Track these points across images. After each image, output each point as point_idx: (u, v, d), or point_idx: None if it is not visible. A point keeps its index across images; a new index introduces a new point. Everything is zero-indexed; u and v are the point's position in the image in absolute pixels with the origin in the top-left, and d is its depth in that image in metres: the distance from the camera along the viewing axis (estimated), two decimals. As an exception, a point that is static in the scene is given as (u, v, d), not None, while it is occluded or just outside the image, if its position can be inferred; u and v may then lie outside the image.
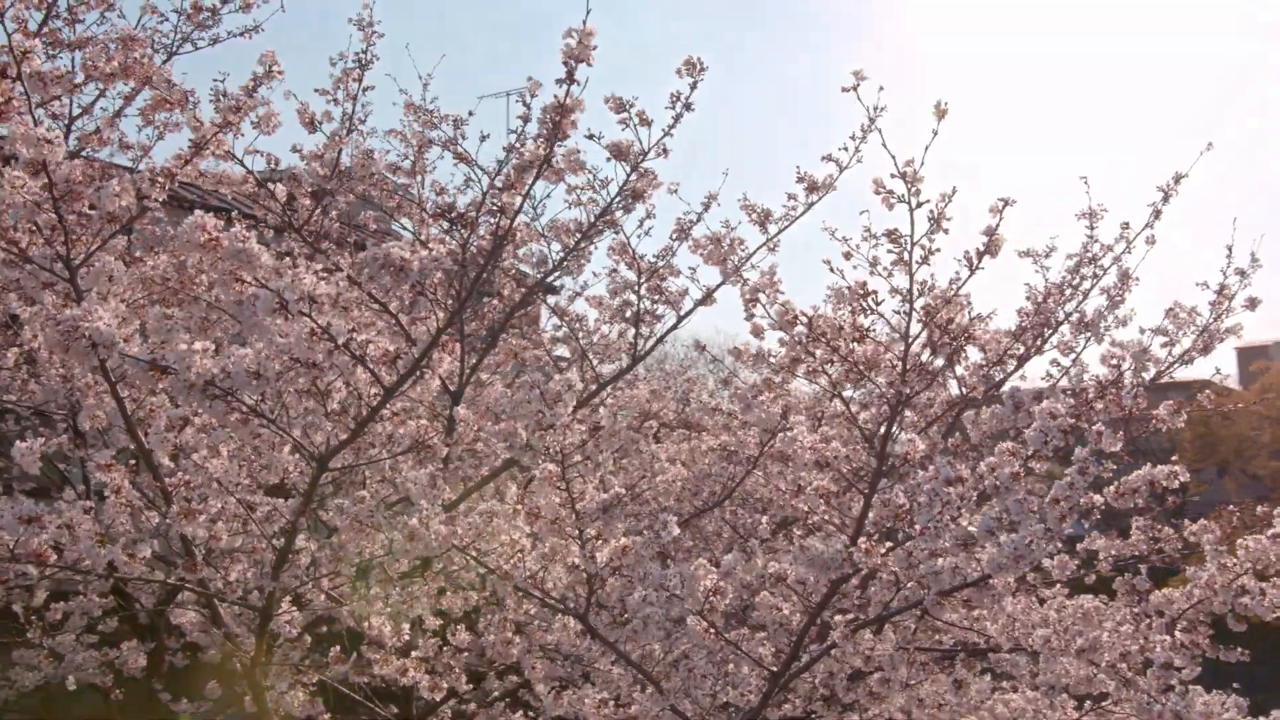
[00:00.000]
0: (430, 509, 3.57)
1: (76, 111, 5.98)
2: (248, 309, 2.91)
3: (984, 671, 6.17)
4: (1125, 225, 6.60)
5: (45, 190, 3.26)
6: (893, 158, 4.07)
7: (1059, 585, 5.86)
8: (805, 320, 3.93)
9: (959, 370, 5.82)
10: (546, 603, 4.21)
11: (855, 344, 3.91)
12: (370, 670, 4.34)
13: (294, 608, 4.14)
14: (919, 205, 3.97)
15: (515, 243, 5.33)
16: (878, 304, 3.89)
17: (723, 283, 6.12)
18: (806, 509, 3.85)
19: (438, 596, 4.72)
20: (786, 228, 6.39)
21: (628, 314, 6.75)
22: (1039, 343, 6.66)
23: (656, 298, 6.72)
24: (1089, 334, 6.31)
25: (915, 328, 4.00)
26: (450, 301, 5.09)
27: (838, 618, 4.22)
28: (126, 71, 4.93)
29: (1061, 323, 6.57)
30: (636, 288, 6.57)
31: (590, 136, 5.30)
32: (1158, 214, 6.48)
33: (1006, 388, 6.92)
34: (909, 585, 4.73)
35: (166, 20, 6.39)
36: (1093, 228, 6.70)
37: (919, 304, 4.05)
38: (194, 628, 4.80)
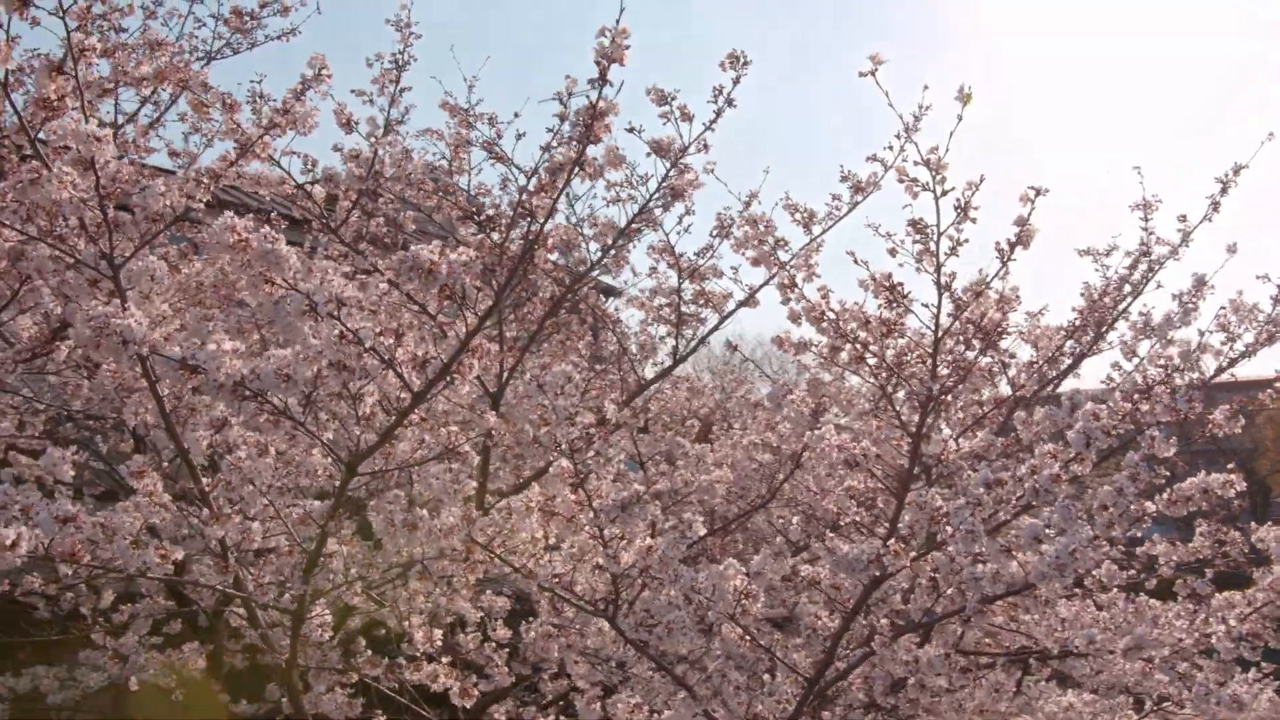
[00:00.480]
0: (451, 506, 3.57)
1: (120, 120, 6.09)
2: (280, 311, 2.92)
3: (1051, 677, 6.06)
4: (1183, 218, 6.42)
5: (92, 188, 3.29)
6: (916, 146, 3.98)
7: (1116, 590, 5.73)
8: (833, 315, 3.86)
9: (1009, 369, 5.72)
10: (573, 603, 4.18)
11: (884, 339, 3.84)
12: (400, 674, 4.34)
13: (328, 610, 4.16)
14: (944, 194, 3.86)
15: (547, 246, 5.30)
16: (904, 297, 3.79)
17: (766, 282, 6.03)
18: (836, 510, 3.78)
19: (478, 595, 4.71)
20: (830, 228, 6.31)
21: (668, 314, 6.72)
22: (1095, 341, 6.51)
23: (700, 302, 6.68)
24: (1154, 338, 6.13)
25: (945, 322, 3.89)
26: (479, 305, 5.09)
27: (883, 621, 4.15)
28: (160, 76, 4.99)
29: (1116, 319, 6.42)
30: (677, 288, 6.53)
31: (631, 130, 5.27)
32: (1216, 206, 6.29)
33: (1065, 388, 6.81)
34: (948, 591, 4.65)
35: (204, 25, 6.48)
36: (1147, 219, 6.54)
37: (948, 297, 3.96)
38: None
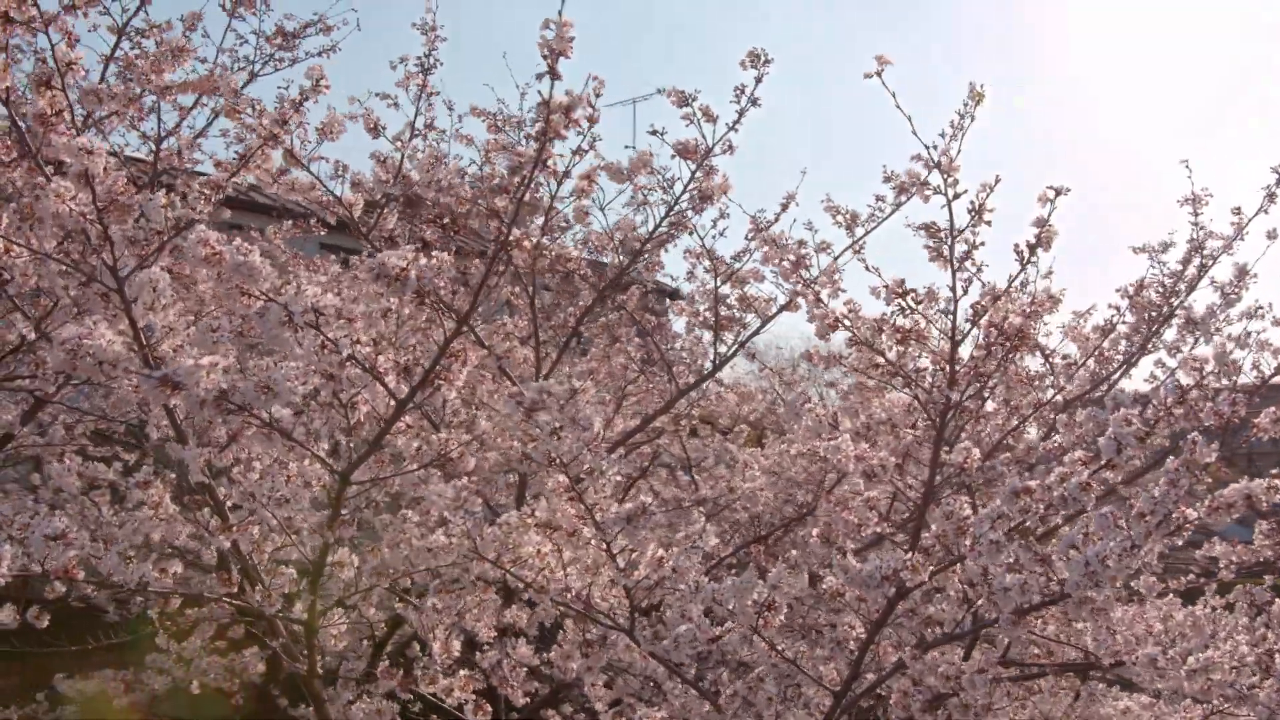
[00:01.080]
0: (455, 521, 3.52)
1: (163, 133, 6.18)
2: (266, 324, 2.89)
3: (1114, 681, 5.84)
4: (1237, 210, 6.16)
5: (90, 202, 3.30)
6: (925, 146, 3.84)
7: (1171, 595, 5.51)
8: (846, 324, 3.74)
9: (1052, 373, 5.52)
10: (590, 618, 4.11)
11: (900, 346, 3.70)
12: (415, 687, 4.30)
13: (343, 620, 4.13)
14: (956, 196, 3.72)
15: (523, 248, 5.23)
16: (917, 303, 3.65)
17: (792, 299, 5.88)
18: (858, 521, 3.64)
19: (501, 610, 4.66)
20: (873, 229, 6.16)
21: (709, 319, 6.61)
22: (1148, 340, 6.27)
23: (742, 306, 6.56)
24: (1198, 333, 5.90)
25: (962, 328, 3.74)
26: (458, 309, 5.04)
27: (909, 635, 4.01)
28: (188, 87, 5.04)
29: (1170, 316, 6.18)
30: (714, 291, 6.42)
31: (654, 132, 5.19)
32: (1272, 197, 6.02)
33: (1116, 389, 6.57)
34: (979, 602, 4.48)
35: (246, 42, 6.55)
36: (1197, 214, 6.29)
37: (965, 303, 3.80)
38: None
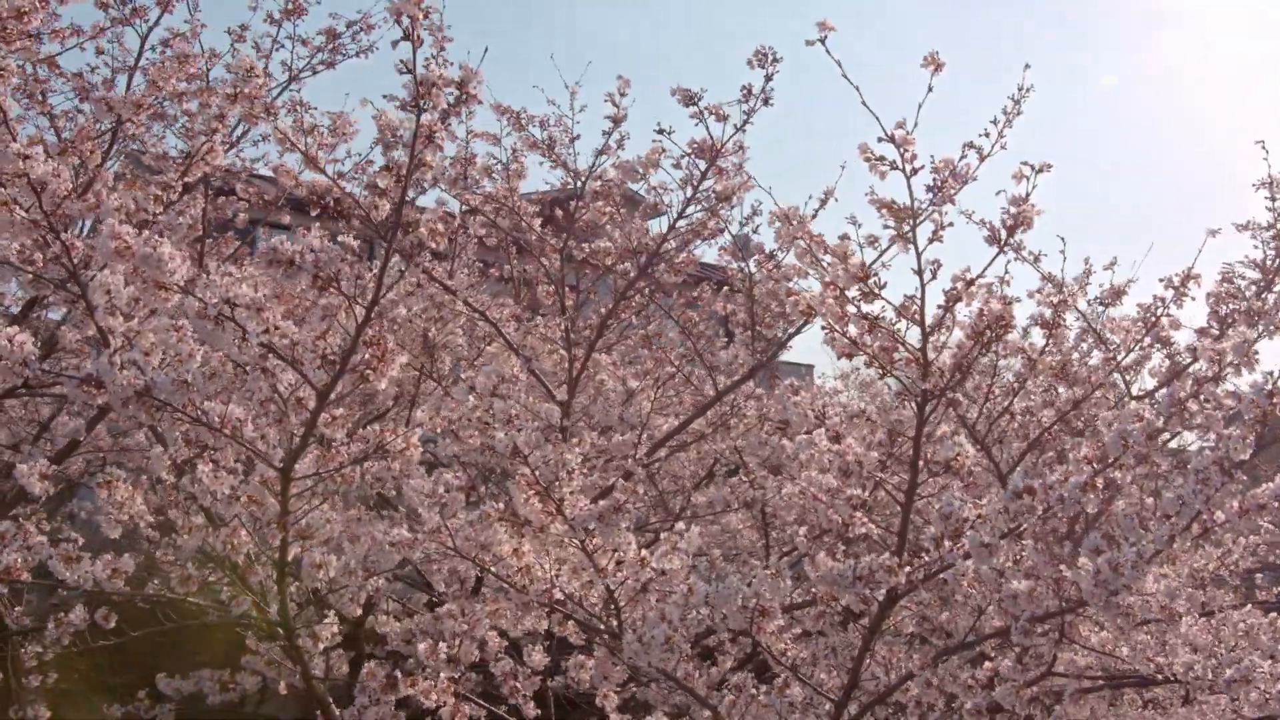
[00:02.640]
0: (430, 517, 3.43)
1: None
2: (186, 316, 2.85)
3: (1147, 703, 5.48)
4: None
5: (38, 209, 3.30)
6: (877, 119, 3.60)
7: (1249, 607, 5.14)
8: (806, 310, 3.53)
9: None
10: (577, 621, 3.98)
11: (867, 335, 3.47)
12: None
13: (330, 622, 4.09)
14: (914, 173, 3.46)
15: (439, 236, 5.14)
16: (880, 288, 3.41)
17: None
18: (841, 520, 3.43)
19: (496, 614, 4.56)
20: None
21: (744, 319, 6.42)
22: (1221, 334, 5.86)
23: (778, 305, 6.36)
24: (1264, 326, 5.46)
25: (932, 315, 3.48)
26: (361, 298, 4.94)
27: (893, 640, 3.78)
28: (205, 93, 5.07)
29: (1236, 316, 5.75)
30: (749, 290, 6.23)
31: (661, 131, 5.06)
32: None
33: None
34: (988, 609, 4.21)
35: (283, 46, 6.61)
36: (1275, 199, 5.85)
37: (933, 287, 3.54)
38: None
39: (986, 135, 5.62)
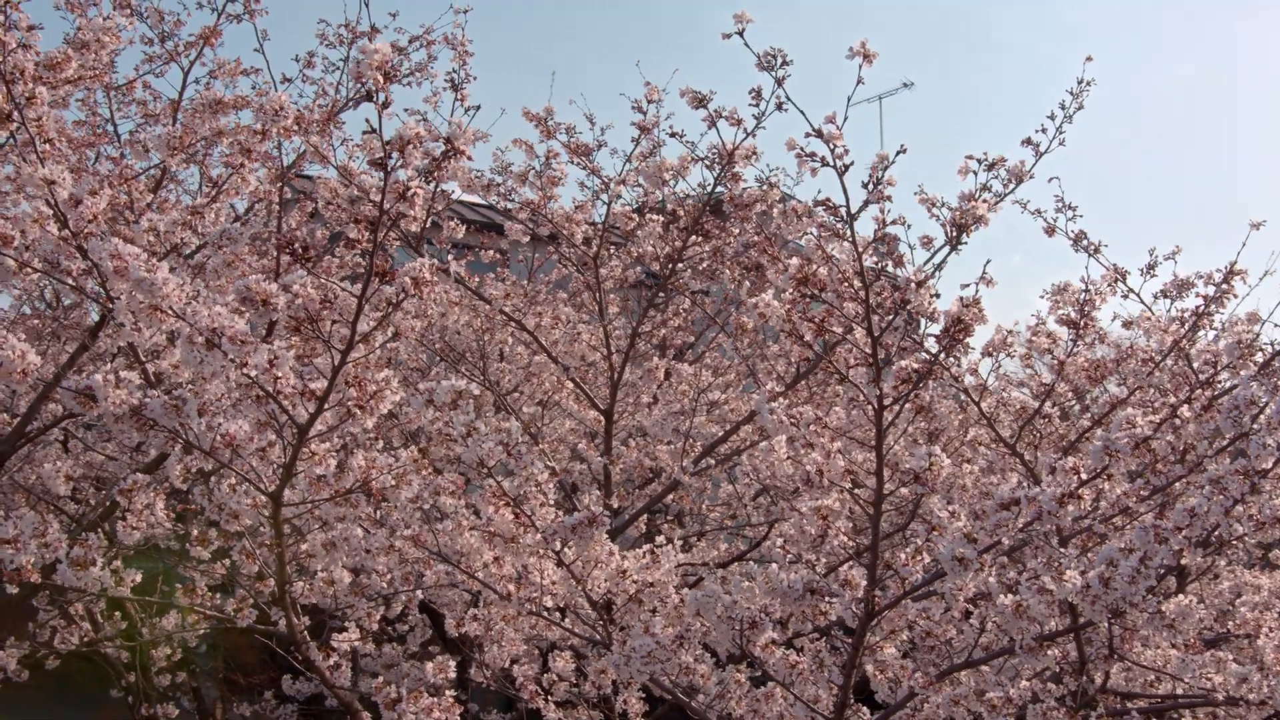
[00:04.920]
0: (410, 522, 3.54)
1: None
2: (181, 342, 3.01)
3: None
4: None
5: (62, 229, 3.52)
6: (804, 115, 3.50)
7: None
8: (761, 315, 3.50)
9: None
10: (567, 631, 4.06)
11: (820, 337, 3.42)
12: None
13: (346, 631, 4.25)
14: (846, 170, 3.36)
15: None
16: (820, 290, 3.32)
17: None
18: (815, 533, 3.41)
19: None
20: (976, 226, 5.82)
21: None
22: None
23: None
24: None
25: (880, 319, 3.39)
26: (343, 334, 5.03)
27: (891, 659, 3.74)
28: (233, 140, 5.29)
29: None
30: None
31: (673, 134, 5.08)
32: None
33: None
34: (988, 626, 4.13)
35: (337, 68, 6.88)
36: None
37: (876, 288, 3.44)
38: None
39: (1043, 131, 5.54)
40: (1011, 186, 5.85)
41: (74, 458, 6.41)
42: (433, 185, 5.56)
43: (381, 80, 2.67)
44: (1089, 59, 5.70)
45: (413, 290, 2.79)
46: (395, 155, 2.75)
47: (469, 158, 2.89)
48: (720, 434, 6.76)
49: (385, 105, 2.70)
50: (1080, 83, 5.52)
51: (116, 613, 6.55)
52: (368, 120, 3.06)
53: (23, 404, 6.27)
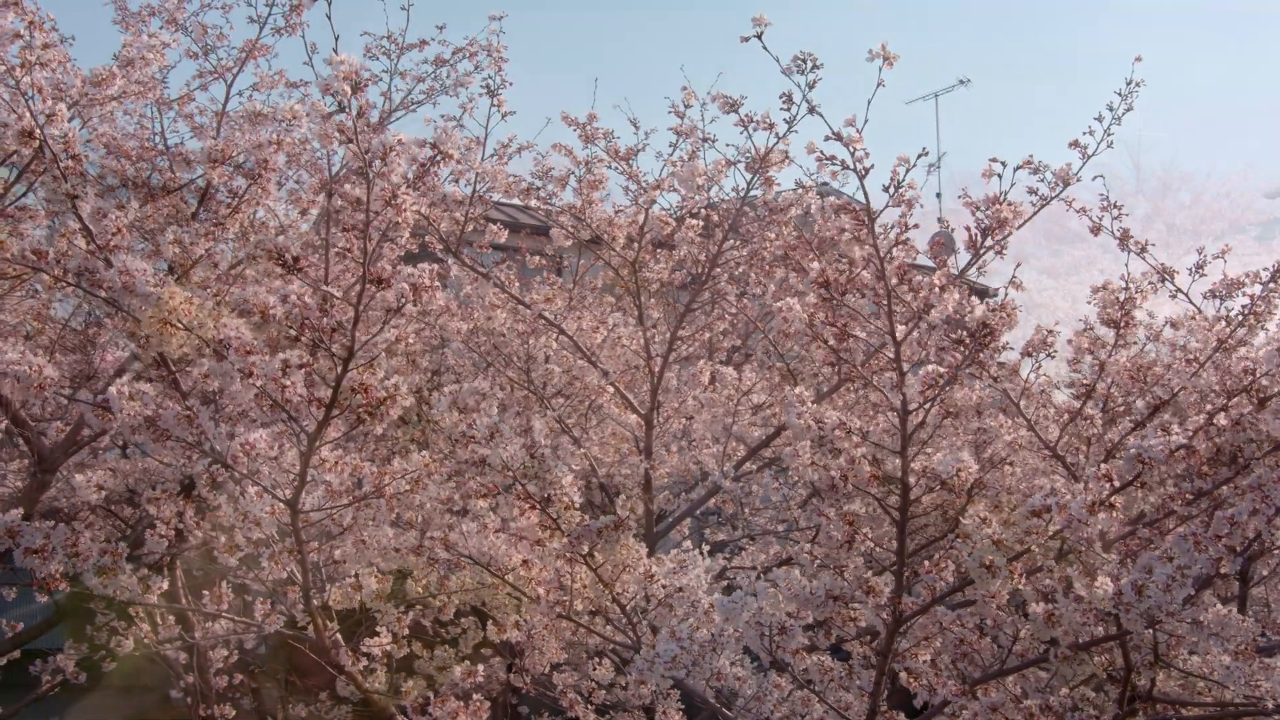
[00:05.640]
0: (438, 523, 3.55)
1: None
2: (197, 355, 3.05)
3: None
4: None
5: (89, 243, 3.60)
6: (823, 119, 3.43)
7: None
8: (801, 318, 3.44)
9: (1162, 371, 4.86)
10: (598, 634, 4.04)
11: (842, 342, 3.36)
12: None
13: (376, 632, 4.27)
14: (866, 173, 3.30)
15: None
16: (841, 294, 3.26)
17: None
18: (842, 538, 3.35)
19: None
20: (1024, 223, 5.72)
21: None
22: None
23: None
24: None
25: (903, 324, 3.32)
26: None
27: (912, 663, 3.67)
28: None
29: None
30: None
31: (705, 139, 5.05)
32: None
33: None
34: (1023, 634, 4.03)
35: (379, 81, 6.95)
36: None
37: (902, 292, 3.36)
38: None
39: (1090, 133, 5.42)
40: (1058, 190, 5.77)
41: (132, 464, 6.54)
42: (469, 190, 5.63)
43: (349, 91, 2.68)
44: (1138, 59, 5.57)
45: (411, 297, 2.79)
46: (378, 163, 2.75)
47: (455, 160, 2.89)
48: (763, 437, 6.70)
49: (359, 115, 2.71)
50: (1129, 83, 5.39)
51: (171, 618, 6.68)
52: (341, 130, 3.07)
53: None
